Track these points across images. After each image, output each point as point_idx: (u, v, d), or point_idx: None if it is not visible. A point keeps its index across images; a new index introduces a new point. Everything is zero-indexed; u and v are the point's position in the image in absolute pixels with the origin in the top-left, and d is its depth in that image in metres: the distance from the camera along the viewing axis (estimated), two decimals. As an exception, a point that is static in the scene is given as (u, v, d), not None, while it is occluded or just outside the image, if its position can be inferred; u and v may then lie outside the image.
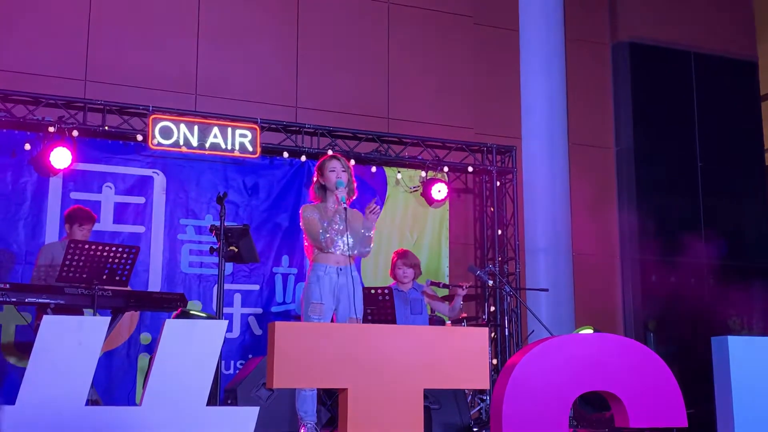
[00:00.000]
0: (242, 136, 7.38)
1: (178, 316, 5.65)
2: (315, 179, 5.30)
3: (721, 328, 8.78)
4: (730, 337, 3.66)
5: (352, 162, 7.78)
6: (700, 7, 9.85)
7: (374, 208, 5.10)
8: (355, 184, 5.33)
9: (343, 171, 5.17)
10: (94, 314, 5.55)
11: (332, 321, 5.05)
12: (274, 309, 7.48)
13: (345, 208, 5.05)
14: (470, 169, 8.41)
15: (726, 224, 9.45)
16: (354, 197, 5.31)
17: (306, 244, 5.24)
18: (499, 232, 8.35)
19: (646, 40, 9.52)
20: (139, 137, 7.14)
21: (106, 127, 7.08)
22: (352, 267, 5.12)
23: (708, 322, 8.82)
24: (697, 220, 9.29)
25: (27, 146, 6.85)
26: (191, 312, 5.85)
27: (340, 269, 5.07)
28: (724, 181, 9.52)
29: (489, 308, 8.09)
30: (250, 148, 7.39)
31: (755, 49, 10.14)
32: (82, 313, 5.72)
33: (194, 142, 7.22)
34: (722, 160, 9.57)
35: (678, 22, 9.68)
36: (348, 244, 5.08)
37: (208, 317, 5.78)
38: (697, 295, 9.16)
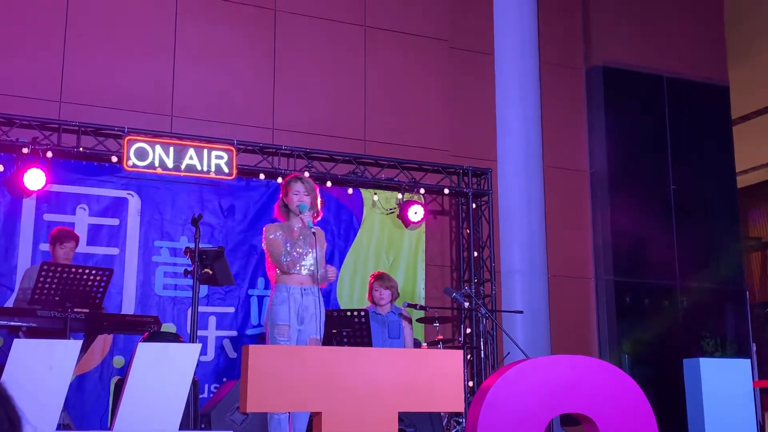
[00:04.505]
0: (218, 157, 7.36)
1: (148, 338, 5.59)
2: (280, 196, 5.24)
3: (694, 350, 8.84)
4: (701, 359, 3.70)
5: (329, 183, 7.80)
6: (672, 32, 10.00)
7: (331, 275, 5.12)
8: (323, 205, 5.29)
9: (306, 194, 5.10)
10: (67, 338, 5.48)
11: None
12: (249, 332, 7.43)
13: (314, 233, 5.01)
14: (446, 191, 8.44)
15: (699, 246, 9.55)
16: (319, 217, 5.26)
17: (268, 263, 5.16)
18: (475, 253, 8.38)
19: (620, 65, 9.64)
20: (114, 159, 7.10)
21: (81, 149, 7.04)
22: (317, 287, 5.08)
23: (681, 343, 8.88)
24: (671, 242, 9.38)
25: (0, 167, 6.80)
26: (161, 331, 5.79)
27: (304, 289, 5.00)
28: (696, 204, 9.62)
29: (465, 330, 8.09)
30: (226, 170, 7.37)
31: (726, 73, 10.29)
32: (54, 337, 5.64)
33: (170, 164, 7.19)
34: (695, 183, 9.68)
35: (651, 46, 9.82)
36: (312, 265, 5.01)
37: (176, 337, 5.72)
38: (671, 317, 9.23)
